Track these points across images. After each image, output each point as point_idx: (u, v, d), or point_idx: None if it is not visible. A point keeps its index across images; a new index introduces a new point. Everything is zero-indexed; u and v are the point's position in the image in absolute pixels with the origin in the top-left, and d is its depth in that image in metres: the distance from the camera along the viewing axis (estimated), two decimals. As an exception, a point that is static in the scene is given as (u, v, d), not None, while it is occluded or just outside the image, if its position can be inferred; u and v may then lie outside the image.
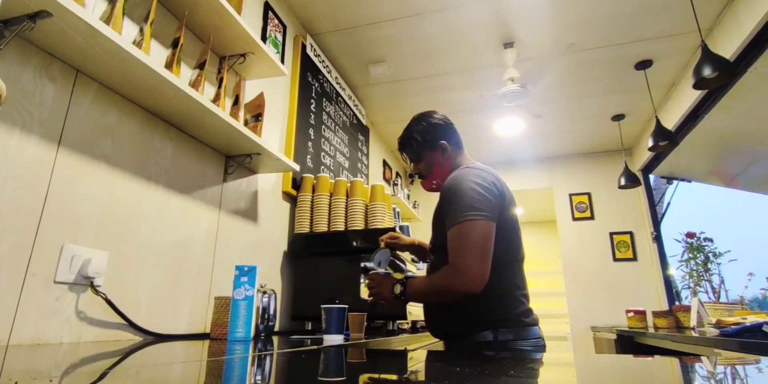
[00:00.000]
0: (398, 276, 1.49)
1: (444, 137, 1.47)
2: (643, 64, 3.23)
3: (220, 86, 1.68)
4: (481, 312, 1.26)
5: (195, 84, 1.54)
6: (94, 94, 1.29)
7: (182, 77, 1.44)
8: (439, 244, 1.35)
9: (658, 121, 3.14)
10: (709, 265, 3.16)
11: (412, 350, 1.44)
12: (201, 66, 1.59)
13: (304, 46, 2.75)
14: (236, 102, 1.80)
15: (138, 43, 1.30)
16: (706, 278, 3.15)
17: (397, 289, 1.35)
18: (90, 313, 1.20)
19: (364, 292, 2.05)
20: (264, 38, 2.30)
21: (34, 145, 1.10)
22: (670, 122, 3.57)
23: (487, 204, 1.24)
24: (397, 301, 1.36)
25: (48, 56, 1.16)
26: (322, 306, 1.43)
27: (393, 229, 2.13)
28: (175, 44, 1.46)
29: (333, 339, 1.36)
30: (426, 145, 1.48)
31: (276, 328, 1.91)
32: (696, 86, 2.33)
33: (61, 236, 1.15)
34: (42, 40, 1.11)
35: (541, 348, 1.29)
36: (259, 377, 0.67)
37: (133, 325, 1.30)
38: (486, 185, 1.27)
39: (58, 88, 1.18)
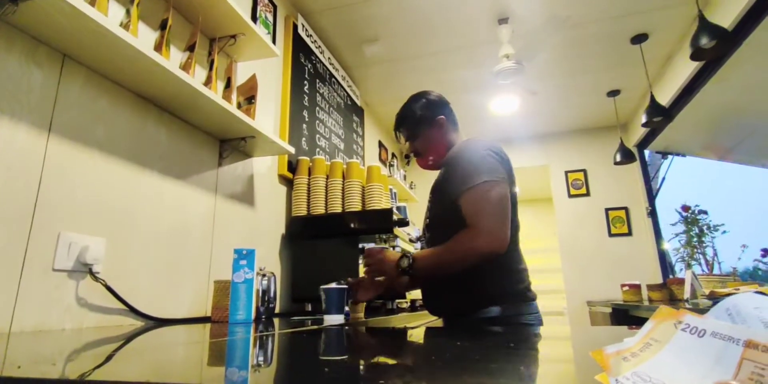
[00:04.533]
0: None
1: (443, 113, 1.50)
2: (639, 38, 3.19)
3: (211, 69, 1.65)
4: (488, 287, 1.27)
5: (185, 67, 1.51)
6: (84, 80, 1.26)
7: (172, 60, 1.41)
8: (438, 219, 1.35)
9: (652, 97, 3.12)
10: (703, 238, 3.20)
11: (413, 328, 1.46)
12: (191, 48, 1.56)
13: (295, 26, 2.70)
14: (228, 85, 1.78)
15: (125, 26, 1.27)
16: (700, 251, 3.19)
17: (404, 262, 1.26)
18: (90, 299, 1.21)
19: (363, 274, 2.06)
20: (254, 18, 2.25)
21: (24, 133, 1.09)
22: (666, 97, 3.56)
23: (503, 170, 1.26)
24: (402, 277, 1.28)
25: (33, 41, 1.13)
26: (322, 287, 1.44)
27: (390, 211, 2.12)
28: (163, 26, 1.42)
29: (333, 319, 1.38)
30: (425, 120, 1.48)
31: (277, 311, 1.93)
32: (693, 57, 2.30)
33: (57, 224, 1.14)
34: (26, 23, 1.08)
35: (540, 322, 1.32)
36: (261, 357, 0.67)
37: (133, 311, 1.31)
38: (501, 155, 1.30)
39: (46, 74, 1.16)
